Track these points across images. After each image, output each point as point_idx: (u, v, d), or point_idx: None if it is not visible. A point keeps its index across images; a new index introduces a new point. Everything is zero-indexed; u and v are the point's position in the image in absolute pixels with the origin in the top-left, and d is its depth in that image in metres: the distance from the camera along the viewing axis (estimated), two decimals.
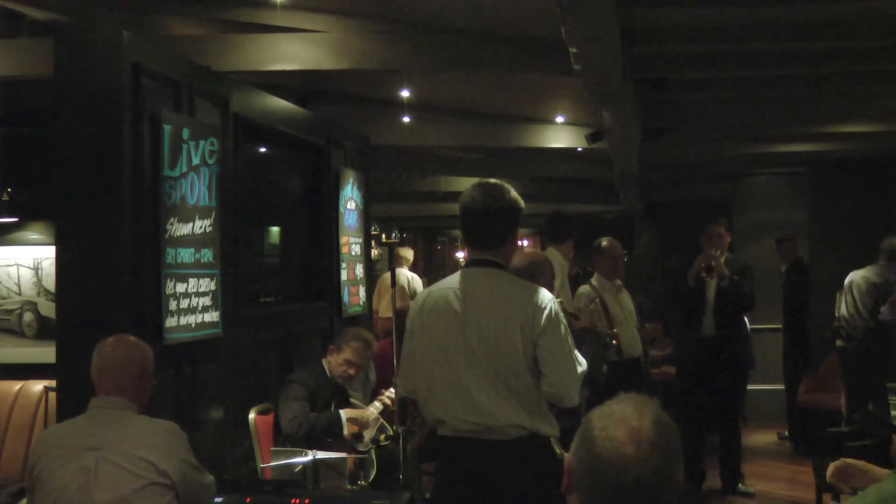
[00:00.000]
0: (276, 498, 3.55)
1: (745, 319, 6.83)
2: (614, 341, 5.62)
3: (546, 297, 3.13)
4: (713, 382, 6.48)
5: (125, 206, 3.97)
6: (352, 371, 4.96)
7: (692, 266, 6.37)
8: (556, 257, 5.37)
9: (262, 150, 5.88)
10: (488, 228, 3.18)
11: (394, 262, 9.80)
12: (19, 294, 5.85)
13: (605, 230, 12.48)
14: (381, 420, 4.97)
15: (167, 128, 4.15)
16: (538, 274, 3.89)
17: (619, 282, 6.15)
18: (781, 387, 8.91)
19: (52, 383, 4.26)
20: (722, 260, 6.37)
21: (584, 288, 5.99)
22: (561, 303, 3.57)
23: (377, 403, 5.00)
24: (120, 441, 2.90)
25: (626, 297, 6.13)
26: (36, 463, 2.95)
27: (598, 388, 4.81)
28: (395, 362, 4.31)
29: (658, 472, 1.47)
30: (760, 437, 8.83)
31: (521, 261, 3.91)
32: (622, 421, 1.50)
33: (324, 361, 4.99)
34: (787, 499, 6.67)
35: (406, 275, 9.77)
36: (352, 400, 5.06)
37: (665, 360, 8.33)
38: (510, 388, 3.07)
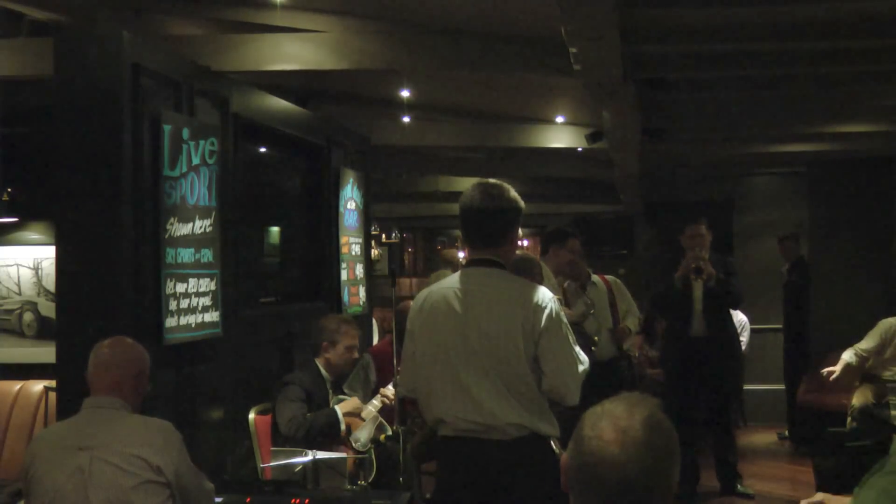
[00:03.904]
0: (276, 498, 3.55)
1: (731, 317, 6.80)
2: (593, 347, 5.54)
3: (547, 296, 3.13)
4: (704, 382, 6.47)
5: (125, 206, 3.97)
6: (355, 354, 4.96)
7: (678, 268, 6.35)
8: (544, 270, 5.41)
9: (262, 150, 5.87)
10: (488, 228, 3.18)
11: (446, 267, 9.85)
12: (19, 294, 5.86)
13: (605, 230, 12.45)
14: (381, 419, 4.95)
15: (167, 128, 4.14)
16: (526, 274, 3.87)
17: (594, 278, 6.14)
18: (781, 387, 8.90)
19: (52, 383, 4.26)
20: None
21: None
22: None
23: (375, 402, 4.98)
24: (113, 440, 2.90)
25: (597, 294, 6.04)
26: (30, 465, 2.95)
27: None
28: (395, 362, 4.29)
29: (646, 473, 1.45)
30: (760, 437, 8.82)
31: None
32: (611, 421, 1.49)
33: (317, 361, 4.94)
34: (787, 499, 6.64)
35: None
36: (340, 396, 5.02)
37: None
38: (510, 387, 3.07)
